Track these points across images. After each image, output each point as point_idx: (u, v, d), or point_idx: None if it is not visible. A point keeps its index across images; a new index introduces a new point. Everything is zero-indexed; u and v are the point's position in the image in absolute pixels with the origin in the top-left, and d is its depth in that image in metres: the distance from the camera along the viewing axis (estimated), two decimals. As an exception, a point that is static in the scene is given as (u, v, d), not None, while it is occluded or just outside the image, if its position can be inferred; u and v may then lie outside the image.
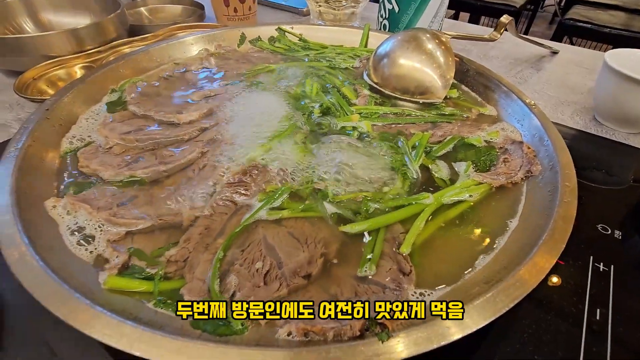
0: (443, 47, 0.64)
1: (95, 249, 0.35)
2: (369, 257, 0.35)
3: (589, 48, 0.99)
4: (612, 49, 0.69)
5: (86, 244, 0.36)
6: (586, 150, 0.63)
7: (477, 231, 0.39)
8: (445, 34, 0.66)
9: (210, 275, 0.33)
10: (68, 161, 0.45)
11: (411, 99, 0.62)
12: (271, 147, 0.46)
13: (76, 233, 0.36)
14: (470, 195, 0.43)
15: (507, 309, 0.27)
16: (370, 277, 0.34)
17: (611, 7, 2.85)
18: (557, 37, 2.58)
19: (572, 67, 0.94)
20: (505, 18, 0.75)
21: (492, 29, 0.76)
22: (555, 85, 0.86)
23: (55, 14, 0.91)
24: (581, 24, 2.76)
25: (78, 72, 0.75)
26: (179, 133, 0.50)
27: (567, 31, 2.78)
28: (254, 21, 1.07)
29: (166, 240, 0.37)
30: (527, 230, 0.38)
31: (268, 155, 0.45)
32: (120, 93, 0.59)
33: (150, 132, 0.50)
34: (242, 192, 0.41)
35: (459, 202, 0.42)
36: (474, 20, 2.82)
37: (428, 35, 0.65)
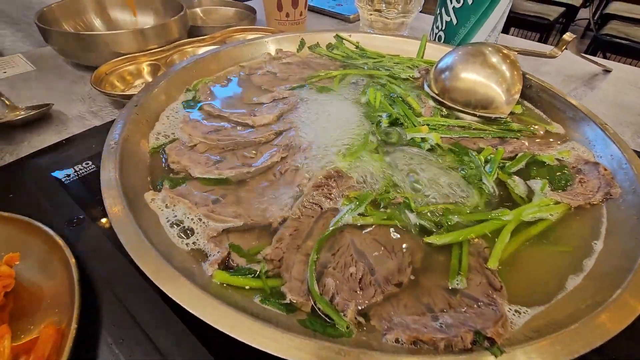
0: (508, 61, 0.64)
1: (194, 242, 0.37)
2: (458, 269, 0.36)
3: (618, 62, 0.98)
4: None
5: (186, 237, 0.37)
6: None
7: (562, 251, 0.39)
8: (511, 49, 0.66)
9: (307, 276, 0.34)
10: (161, 156, 0.48)
11: (476, 112, 0.63)
12: (354, 160, 0.47)
13: (175, 226, 0.38)
14: (550, 214, 0.43)
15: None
16: (461, 289, 0.35)
17: (650, 24, 2.78)
18: (591, 53, 2.53)
19: (626, 87, 0.92)
20: (568, 36, 0.74)
21: (544, 46, 0.76)
22: (611, 105, 0.84)
23: (122, 12, 0.96)
24: (617, 39, 2.70)
25: (145, 68, 0.79)
26: (257, 135, 0.52)
27: (602, 47, 2.72)
28: (304, 26, 1.09)
29: (256, 239, 0.39)
30: (615, 253, 0.38)
31: (349, 163, 0.47)
32: (194, 92, 0.61)
33: (230, 134, 0.52)
34: (328, 195, 0.42)
35: (539, 220, 0.42)
36: (504, 32, 2.78)
37: (492, 49, 0.65)
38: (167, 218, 0.39)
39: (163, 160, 0.47)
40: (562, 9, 3.05)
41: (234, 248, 0.36)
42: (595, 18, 3.16)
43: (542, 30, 2.94)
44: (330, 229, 0.39)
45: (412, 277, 0.36)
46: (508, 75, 0.62)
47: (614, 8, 3.03)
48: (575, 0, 3.12)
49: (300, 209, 0.41)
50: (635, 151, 0.69)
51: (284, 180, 0.45)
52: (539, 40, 2.87)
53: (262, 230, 0.40)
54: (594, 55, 2.59)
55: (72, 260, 0.37)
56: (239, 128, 0.54)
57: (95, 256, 0.42)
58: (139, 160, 0.46)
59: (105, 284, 0.39)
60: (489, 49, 0.65)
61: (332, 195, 0.43)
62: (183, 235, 0.38)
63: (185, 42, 0.86)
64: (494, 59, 0.63)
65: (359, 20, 1.09)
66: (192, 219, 0.39)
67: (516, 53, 0.66)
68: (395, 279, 0.35)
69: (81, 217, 0.47)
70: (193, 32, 0.96)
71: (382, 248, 0.38)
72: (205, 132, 0.52)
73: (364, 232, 0.40)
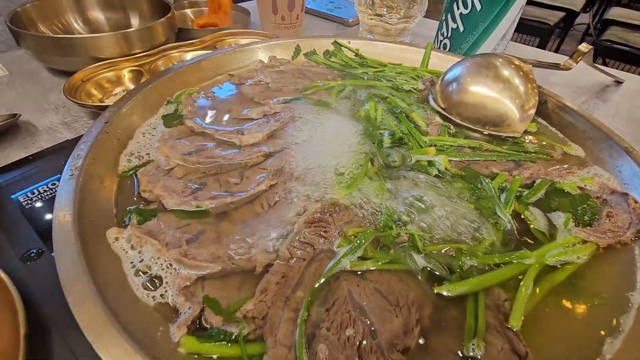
0: (522, 73, 0.58)
1: (162, 295, 0.31)
2: (475, 330, 0.30)
3: (630, 73, 0.93)
4: None
5: (153, 288, 0.32)
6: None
7: (595, 304, 0.34)
8: (524, 60, 0.61)
9: (296, 341, 0.28)
10: (132, 183, 0.42)
11: (486, 130, 0.57)
12: (354, 189, 0.41)
13: (141, 274, 0.32)
14: (578, 257, 0.37)
15: None
16: (478, 357, 0.29)
17: (650, 30, 2.75)
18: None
19: (640, 100, 0.87)
20: (584, 47, 0.69)
21: (549, 54, 0.70)
22: (626, 120, 0.79)
23: (104, 13, 0.89)
24: (617, 46, 2.67)
25: (126, 75, 0.73)
26: (243, 157, 0.46)
27: (601, 53, 2.69)
28: (299, 30, 1.04)
29: (238, 286, 0.33)
30: (656, 309, 0.32)
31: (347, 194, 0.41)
32: (177, 105, 0.55)
33: (213, 155, 0.46)
34: (322, 234, 0.37)
35: (564, 263, 0.37)
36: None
37: (503, 60, 0.60)
38: (132, 263, 0.33)
39: (135, 187, 0.41)
40: (562, 14, 3.02)
41: (210, 303, 0.30)
42: (595, 23, 3.13)
43: (542, 34, 2.90)
44: (324, 277, 0.33)
45: (421, 341, 0.30)
46: (522, 90, 0.57)
47: (614, 13, 3.00)
48: (575, 5, 3.09)
49: (289, 249, 0.35)
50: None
51: (273, 214, 0.39)
52: (539, 46, 2.84)
53: (245, 275, 0.34)
54: (593, 61, 2.57)
55: (20, 305, 0.31)
56: (224, 149, 0.48)
57: (52, 299, 0.36)
58: (105, 188, 0.40)
59: (61, 336, 0.33)
60: (500, 60, 0.60)
61: (328, 233, 0.37)
62: (150, 286, 0.32)
63: (172, 46, 0.80)
64: (507, 72, 0.58)
65: (359, 24, 1.03)
66: (161, 265, 0.33)
67: (531, 66, 0.60)
68: (401, 342, 0.29)
69: (40, 249, 0.41)
70: (182, 35, 0.90)
71: (385, 301, 0.32)
72: (184, 152, 0.46)
73: (363, 279, 0.34)
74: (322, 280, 0.33)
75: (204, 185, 0.42)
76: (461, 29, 0.77)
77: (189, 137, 0.50)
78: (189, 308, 0.30)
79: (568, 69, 0.70)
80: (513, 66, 0.59)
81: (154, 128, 0.50)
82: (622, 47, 2.66)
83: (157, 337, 0.27)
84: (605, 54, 2.71)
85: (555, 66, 0.70)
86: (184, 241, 0.35)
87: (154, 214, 0.38)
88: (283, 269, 0.34)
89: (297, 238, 0.36)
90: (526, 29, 2.95)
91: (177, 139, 0.49)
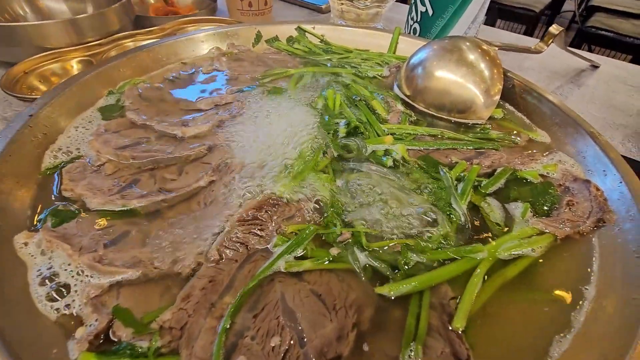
0: (488, 57, 0.55)
1: (68, 306, 0.28)
2: (414, 333, 0.28)
3: (607, 57, 0.91)
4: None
5: (58, 298, 0.28)
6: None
7: (546, 300, 0.32)
8: (491, 44, 0.58)
9: (213, 353, 0.26)
10: (55, 180, 0.38)
11: (450, 117, 0.54)
12: (299, 182, 0.38)
13: (47, 282, 0.29)
14: (532, 250, 0.35)
15: None
16: (417, 363, 0.27)
17: (634, 17, 2.75)
18: (576, 45, 2.49)
19: (616, 84, 0.86)
20: (555, 28, 0.66)
21: (530, 39, 0.68)
22: (601, 105, 0.77)
23: (57, 1, 0.84)
24: (602, 32, 2.67)
25: (75, 66, 0.68)
26: (184, 151, 0.42)
27: (587, 39, 2.68)
28: (269, 17, 0.99)
29: (162, 293, 0.30)
30: (610, 303, 0.30)
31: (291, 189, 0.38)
32: (119, 96, 0.51)
33: (151, 149, 0.42)
34: (257, 232, 0.34)
35: (518, 257, 0.35)
36: (489, 23, 2.73)
37: (470, 44, 0.57)
38: (38, 270, 0.30)
39: (50, 187, 0.38)
40: (548, 1, 3.00)
41: (119, 314, 0.27)
42: (580, 10, 3.12)
43: (528, 22, 2.88)
44: (255, 279, 0.30)
45: (358, 346, 0.27)
46: (487, 75, 0.54)
47: (598, 0, 2.99)
48: (561, -8, 3.07)
49: (219, 250, 0.32)
50: (625, 157, 0.63)
51: (209, 212, 0.36)
52: (525, 33, 2.82)
53: (172, 280, 0.31)
54: (579, 48, 2.56)
55: None
56: (165, 142, 0.45)
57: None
58: (20, 188, 0.36)
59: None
60: (467, 43, 0.57)
61: (265, 231, 0.34)
62: (56, 296, 0.28)
63: (128, 34, 0.76)
64: (472, 56, 0.55)
65: (331, 10, 0.99)
66: (71, 272, 0.30)
67: (497, 48, 0.57)
68: (332, 350, 0.27)
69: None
70: (141, 22, 0.85)
71: (321, 304, 0.30)
72: (118, 147, 0.42)
73: (301, 281, 0.31)
74: (253, 283, 0.30)
75: (137, 182, 0.39)
76: (430, 12, 0.73)
77: (128, 130, 0.46)
78: (96, 320, 0.26)
79: (539, 52, 0.67)
80: (479, 50, 0.56)
81: (90, 122, 0.46)
82: (607, 34, 2.65)
83: (51, 356, 0.24)
84: (591, 41, 2.71)
85: (527, 49, 0.68)
86: (101, 245, 0.32)
87: (73, 215, 0.34)
88: (211, 272, 0.31)
89: (228, 237, 0.33)
90: (512, 16, 2.92)
91: (115, 132, 0.45)
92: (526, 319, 0.30)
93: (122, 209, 0.35)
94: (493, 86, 0.54)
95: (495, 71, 0.55)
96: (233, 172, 0.39)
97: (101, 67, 0.53)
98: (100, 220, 0.34)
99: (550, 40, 0.67)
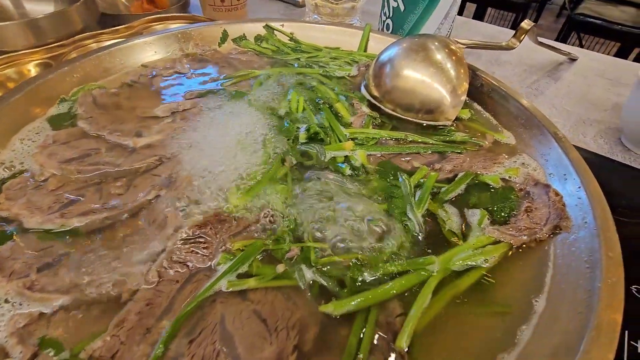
0: (454, 57, 0.54)
1: (-4, 336, 0.27)
2: (355, 353, 0.27)
3: (596, 45, 0.90)
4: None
5: (-16, 329, 0.27)
6: (616, 185, 0.55)
7: (495, 313, 0.31)
8: (457, 42, 0.56)
9: (143, 384, 0.25)
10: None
11: (416, 119, 0.53)
12: (253, 197, 0.37)
13: (-26, 311, 0.28)
14: (485, 260, 0.34)
15: None
16: (356, 386, 0.26)
17: (623, 3, 2.74)
18: (565, 33, 2.48)
19: (593, 78, 0.85)
20: (526, 24, 0.65)
21: (513, 32, 0.66)
22: (576, 99, 0.77)
23: (15, 1, 0.80)
24: (591, 19, 2.65)
25: (32, 70, 0.65)
26: (134, 163, 0.41)
27: (576, 27, 2.66)
28: (244, 13, 0.96)
29: (97, 320, 0.29)
30: (558, 317, 0.30)
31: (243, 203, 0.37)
32: (72, 104, 0.49)
33: (99, 161, 0.41)
34: (200, 251, 0.33)
35: (472, 268, 0.34)
36: (480, 12, 2.70)
37: (437, 43, 0.55)
38: (-36, 299, 0.28)
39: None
40: (538, -12, 2.97)
41: (47, 344, 0.26)
42: (572, -2, 3.10)
43: (518, 10, 2.86)
44: (195, 301, 0.29)
45: (296, 370, 0.27)
46: (453, 74, 0.53)
47: (589, -14, 2.97)
48: (550, -21, 3.04)
49: (159, 271, 0.31)
50: (599, 155, 0.63)
51: (152, 230, 0.35)
52: (515, 21, 2.79)
53: (110, 305, 0.30)
54: (568, 36, 2.55)
55: None
56: (116, 153, 0.43)
57: None
58: (-47, 209, 0.34)
59: None
60: (435, 43, 0.56)
61: (210, 249, 0.33)
62: (-20, 327, 0.27)
63: (91, 34, 0.72)
64: (439, 55, 0.54)
65: (306, 5, 0.96)
66: (-1, 300, 0.28)
67: (463, 47, 0.56)
68: (269, 376, 0.26)
69: None
70: (107, 21, 0.82)
71: (262, 325, 0.29)
72: (64, 160, 0.40)
73: (244, 300, 0.30)
74: (191, 305, 0.29)
75: (81, 198, 0.37)
76: (402, 7, 0.71)
77: (79, 140, 0.44)
78: (20, 352, 0.25)
79: (512, 48, 0.66)
80: (446, 49, 0.54)
81: (37, 133, 0.44)
82: (596, 21, 2.64)
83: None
84: (580, 29, 2.69)
85: (499, 46, 0.66)
86: (34, 269, 0.30)
87: (8, 237, 0.33)
88: (149, 295, 0.30)
89: (169, 257, 0.32)
90: (501, 4, 2.89)
91: (63, 143, 0.43)
92: (473, 334, 0.30)
93: (62, 229, 0.34)
94: (459, 86, 0.53)
95: (462, 70, 0.53)
96: (179, 188, 0.38)
97: (53, 73, 0.51)
98: (37, 241, 0.33)
99: (523, 36, 0.65)
